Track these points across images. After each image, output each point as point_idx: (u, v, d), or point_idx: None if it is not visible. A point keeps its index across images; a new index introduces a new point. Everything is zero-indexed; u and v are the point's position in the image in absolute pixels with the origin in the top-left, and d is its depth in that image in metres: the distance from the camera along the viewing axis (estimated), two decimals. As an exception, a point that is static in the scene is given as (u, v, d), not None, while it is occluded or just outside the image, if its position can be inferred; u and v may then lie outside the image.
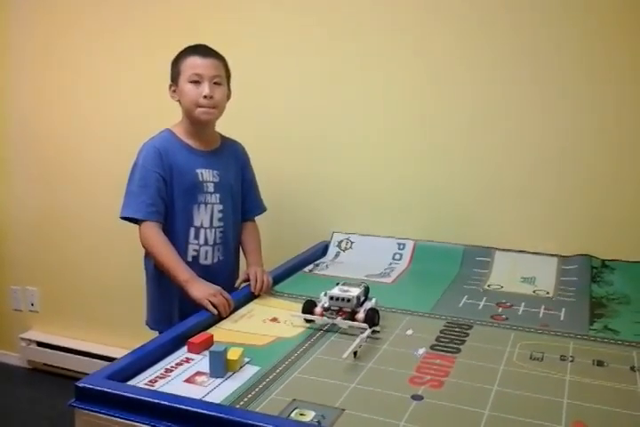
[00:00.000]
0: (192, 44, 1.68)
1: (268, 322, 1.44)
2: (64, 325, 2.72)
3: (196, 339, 1.25)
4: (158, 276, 1.66)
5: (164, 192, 1.62)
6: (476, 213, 1.95)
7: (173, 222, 1.65)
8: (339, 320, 1.35)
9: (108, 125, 2.45)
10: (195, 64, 1.61)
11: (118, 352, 2.36)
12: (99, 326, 2.64)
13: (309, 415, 1.00)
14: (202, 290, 1.48)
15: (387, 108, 2.01)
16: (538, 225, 1.89)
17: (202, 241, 1.68)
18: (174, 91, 1.67)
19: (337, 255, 2.02)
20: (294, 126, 2.14)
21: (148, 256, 1.68)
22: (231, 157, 1.77)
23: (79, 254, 2.63)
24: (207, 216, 1.69)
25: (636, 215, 1.78)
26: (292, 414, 1.00)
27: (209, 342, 1.26)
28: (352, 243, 2.03)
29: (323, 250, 2.04)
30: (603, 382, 1.14)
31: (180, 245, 1.64)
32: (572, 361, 1.23)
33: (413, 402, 1.05)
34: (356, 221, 2.08)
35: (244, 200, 1.81)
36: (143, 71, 2.33)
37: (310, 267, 1.90)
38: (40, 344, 2.72)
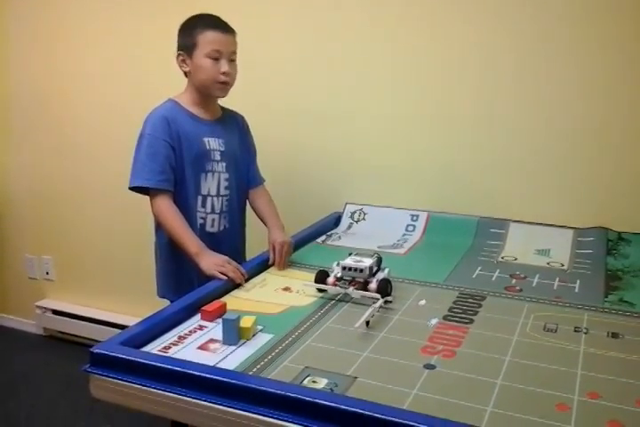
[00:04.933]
0: (194, 11, 1.64)
1: (280, 291, 1.44)
2: (78, 293, 2.76)
3: (209, 307, 1.26)
4: (174, 244, 1.65)
5: (172, 160, 1.60)
6: (490, 184, 1.92)
7: (182, 191, 1.64)
8: (351, 290, 1.35)
9: (115, 92, 2.44)
10: (215, 40, 1.58)
11: (132, 320, 2.36)
12: (112, 295, 2.68)
13: (322, 383, 1.00)
14: (209, 261, 1.48)
15: (400, 79, 1.97)
16: (553, 197, 1.86)
17: (209, 209, 1.68)
18: (183, 60, 1.63)
19: (350, 226, 2.01)
20: (306, 98, 2.11)
21: (160, 228, 1.68)
22: (234, 126, 1.77)
23: (91, 223, 2.65)
24: (214, 184, 1.68)
25: (654, 188, 1.75)
26: (305, 382, 1.00)
27: (222, 310, 1.27)
28: (365, 214, 2.02)
29: (335, 221, 2.03)
30: (617, 353, 1.13)
31: (187, 213, 1.63)
32: (586, 333, 1.22)
33: (426, 371, 1.05)
34: (369, 193, 2.06)
35: (248, 169, 1.80)
36: (149, 37, 2.31)
37: (323, 238, 1.90)
38: (55, 312, 2.76)
